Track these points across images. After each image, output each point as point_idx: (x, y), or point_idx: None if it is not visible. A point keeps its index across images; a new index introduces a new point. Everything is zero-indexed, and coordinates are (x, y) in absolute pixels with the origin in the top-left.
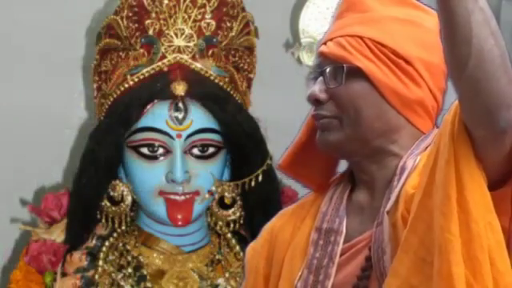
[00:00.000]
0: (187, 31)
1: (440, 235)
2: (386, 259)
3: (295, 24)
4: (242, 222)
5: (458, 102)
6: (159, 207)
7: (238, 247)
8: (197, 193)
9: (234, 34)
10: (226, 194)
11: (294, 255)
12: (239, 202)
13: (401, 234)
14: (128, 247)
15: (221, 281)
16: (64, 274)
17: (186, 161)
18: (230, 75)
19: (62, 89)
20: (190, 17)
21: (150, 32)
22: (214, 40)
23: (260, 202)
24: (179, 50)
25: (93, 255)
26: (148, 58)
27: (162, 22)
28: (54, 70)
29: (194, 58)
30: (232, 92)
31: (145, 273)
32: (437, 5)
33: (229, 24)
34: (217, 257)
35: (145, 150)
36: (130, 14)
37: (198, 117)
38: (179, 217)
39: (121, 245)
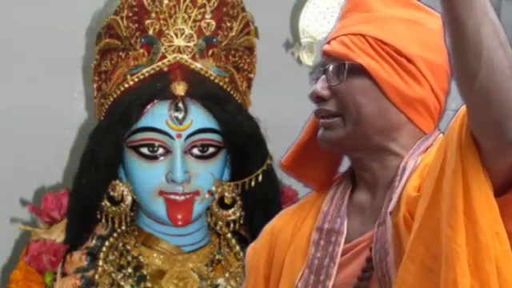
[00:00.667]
0: (187, 31)
1: (447, 246)
2: (389, 260)
3: (295, 24)
4: (241, 222)
5: (467, 112)
6: (159, 207)
7: (237, 247)
8: (197, 193)
9: (233, 33)
10: (226, 194)
11: (294, 255)
12: (239, 202)
13: (402, 236)
14: (128, 247)
15: (221, 281)
16: (64, 274)
17: (186, 161)
18: (230, 75)
19: (61, 89)
20: (189, 17)
21: (150, 32)
22: (214, 40)
23: (260, 202)
24: (179, 49)
25: (93, 255)
26: (148, 58)
27: (161, 21)
28: (54, 70)
29: (194, 58)
30: (232, 92)
31: (145, 273)
32: (444, 17)
33: (229, 24)
34: (217, 257)
35: (145, 150)
36: (130, 14)
37: (198, 117)
38: (179, 217)
39: (121, 245)
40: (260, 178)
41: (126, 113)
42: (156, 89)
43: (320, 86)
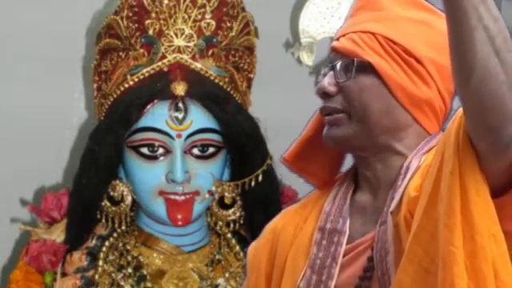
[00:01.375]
0: (187, 31)
1: (444, 247)
2: (389, 260)
3: (295, 24)
4: (241, 221)
5: (463, 114)
6: (159, 207)
7: (238, 247)
8: (197, 193)
9: (233, 33)
10: (226, 193)
11: (296, 255)
12: (239, 202)
13: (403, 236)
14: (128, 247)
15: (221, 281)
16: (64, 274)
17: (186, 161)
18: (230, 75)
19: (62, 89)
20: (189, 17)
21: (150, 32)
22: (214, 40)
23: (260, 202)
24: (179, 50)
25: (93, 255)
26: (148, 58)
27: (162, 21)
28: (54, 70)
29: (194, 58)
30: (232, 92)
31: (145, 273)
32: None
33: (229, 24)
34: (217, 257)
35: (145, 150)
36: (130, 14)
37: (198, 117)
38: (179, 217)
39: (121, 245)
40: (260, 178)
41: (126, 113)
42: (156, 89)
43: (327, 82)
